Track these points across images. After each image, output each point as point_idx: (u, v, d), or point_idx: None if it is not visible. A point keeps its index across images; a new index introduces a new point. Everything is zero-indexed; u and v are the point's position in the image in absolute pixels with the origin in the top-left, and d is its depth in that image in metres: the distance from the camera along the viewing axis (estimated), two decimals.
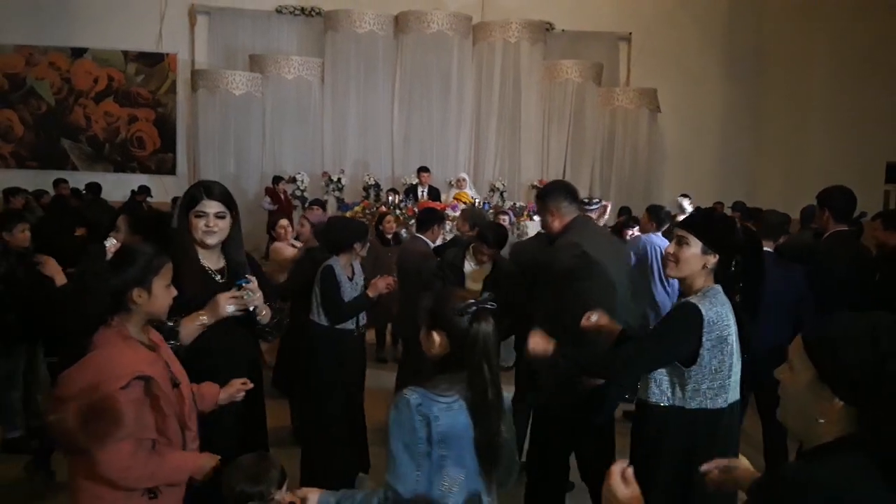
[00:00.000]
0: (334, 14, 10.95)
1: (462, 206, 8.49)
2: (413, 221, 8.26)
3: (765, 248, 3.96)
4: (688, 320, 2.27)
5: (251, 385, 2.40)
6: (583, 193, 11.00)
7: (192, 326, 2.40)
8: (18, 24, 10.96)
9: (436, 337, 1.93)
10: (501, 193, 10.38)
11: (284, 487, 2.07)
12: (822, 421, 1.26)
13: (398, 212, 8.52)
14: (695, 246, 2.32)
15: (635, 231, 6.25)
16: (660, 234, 5.66)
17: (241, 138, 10.77)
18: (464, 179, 9.85)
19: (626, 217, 7.51)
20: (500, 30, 11.01)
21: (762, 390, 4.01)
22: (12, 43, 11.11)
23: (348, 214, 8.71)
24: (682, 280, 2.40)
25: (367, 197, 9.83)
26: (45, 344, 4.66)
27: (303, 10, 11.54)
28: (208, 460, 2.11)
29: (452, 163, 10.96)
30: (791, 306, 3.86)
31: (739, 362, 2.41)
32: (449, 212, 8.42)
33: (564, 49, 11.87)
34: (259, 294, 2.49)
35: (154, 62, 11.61)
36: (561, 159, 11.28)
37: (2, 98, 11.19)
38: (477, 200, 9.08)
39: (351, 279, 3.93)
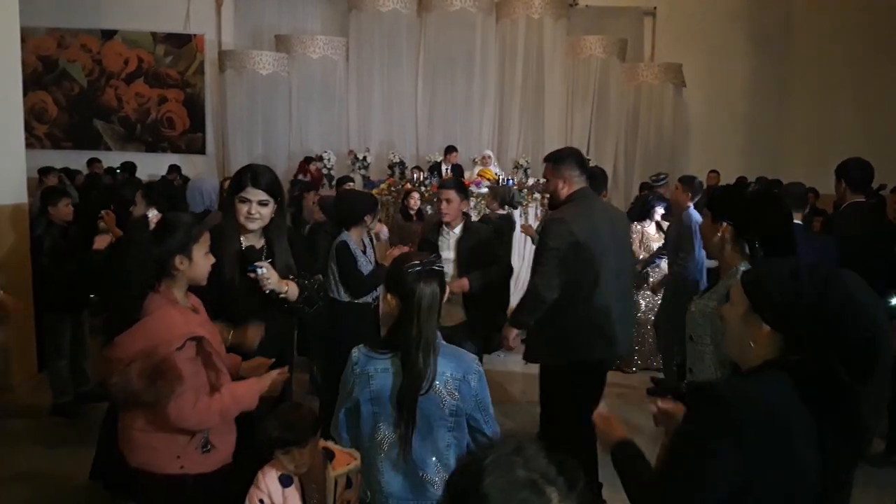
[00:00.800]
0: None
1: (486, 183, 8.60)
2: (437, 199, 8.41)
3: (796, 221, 4.06)
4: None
5: (287, 376, 2.48)
6: (608, 169, 11.12)
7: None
8: (50, 8, 11.16)
9: (390, 299, 2.06)
10: (525, 170, 10.45)
11: (318, 433, 2.24)
12: (752, 345, 1.49)
13: (423, 189, 8.64)
14: (706, 216, 2.37)
15: (660, 209, 6.27)
16: (692, 206, 5.66)
17: (268, 118, 10.94)
18: (489, 157, 9.92)
19: (650, 196, 7.38)
20: (523, 6, 11.00)
21: None
22: (44, 26, 11.34)
23: (374, 192, 8.87)
24: (715, 257, 2.45)
25: (392, 175, 9.96)
26: (91, 308, 4.90)
27: None
28: (278, 376, 2.33)
29: (476, 140, 11.03)
30: None
31: None
32: (473, 188, 8.53)
33: (588, 25, 11.81)
34: (274, 277, 2.61)
35: (182, 43, 11.79)
36: (585, 135, 11.29)
37: (35, 80, 11.44)
38: (501, 177, 9.16)
39: (364, 252, 4.05)
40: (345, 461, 2.26)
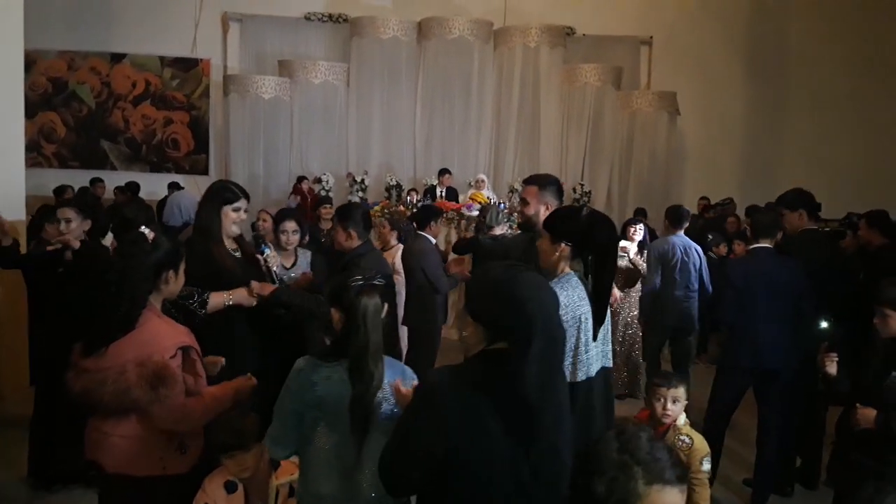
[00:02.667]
0: (360, 20, 11.31)
1: (477, 206, 8.77)
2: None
3: (763, 245, 4.20)
4: None
5: (254, 381, 2.62)
6: (601, 195, 11.30)
7: (219, 301, 2.88)
8: (61, 31, 11.53)
9: (334, 313, 2.21)
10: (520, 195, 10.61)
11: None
12: (465, 334, 1.86)
13: (416, 211, 8.81)
14: (545, 238, 2.62)
15: (639, 227, 6.42)
16: (681, 233, 5.84)
17: (270, 140, 11.19)
18: (482, 181, 10.11)
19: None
20: (521, 35, 11.25)
21: (764, 380, 4.16)
22: (55, 48, 11.70)
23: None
24: (545, 269, 2.67)
25: (388, 197, 10.16)
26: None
27: (330, 16, 11.93)
28: (244, 381, 2.49)
29: (472, 165, 11.23)
30: (791, 300, 4.04)
31: (595, 340, 2.65)
32: (464, 211, 8.71)
33: (586, 53, 12.05)
34: (277, 258, 3.15)
35: (189, 67, 12.12)
36: (580, 162, 11.46)
37: (45, 101, 11.78)
38: (493, 200, 9.32)
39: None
40: (289, 470, 2.40)
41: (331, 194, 10.63)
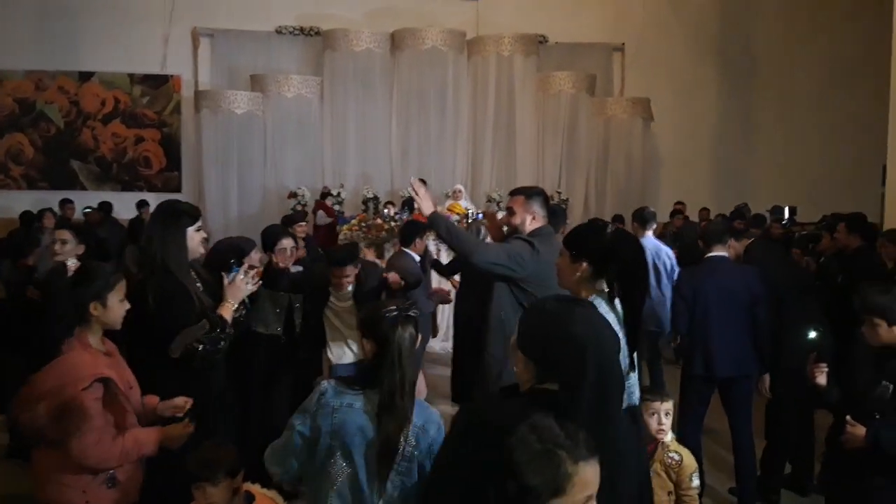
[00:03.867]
0: (332, 33, 11.25)
1: (455, 216, 8.72)
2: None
3: (718, 253, 4.21)
4: None
5: (191, 429, 2.50)
6: (579, 202, 11.32)
7: (229, 311, 2.83)
8: (28, 50, 11.33)
9: (366, 343, 2.13)
10: (497, 203, 10.60)
11: (240, 478, 2.29)
12: (515, 369, 1.76)
13: (393, 223, 8.75)
14: (565, 256, 2.42)
15: None
16: (649, 234, 5.88)
17: (244, 156, 11.05)
18: (460, 191, 10.08)
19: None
20: (494, 44, 11.27)
21: (724, 387, 4.22)
22: (22, 69, 11.48)
23: (345, 228, 8.97)
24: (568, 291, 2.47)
25: (364, 210, 10.08)
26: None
27: (302, 30, 11.84)
28: (179, 428, 2.39)
29: (450, 175, 11.19)
30: (746, 307, 4.07)
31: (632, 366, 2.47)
32: None
33: (559, 61, 12.08)
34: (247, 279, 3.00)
35: (159, 84, 11.95)
36: (556, 169, 11.48)
37: (12, 122, 11.55)
38: (470, 211, 9.29)
39: None
40: None
41: (307, 209, 10.55)
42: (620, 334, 2.33)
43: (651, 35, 12.22)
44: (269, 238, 4.30)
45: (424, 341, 5.35)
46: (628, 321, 2.34)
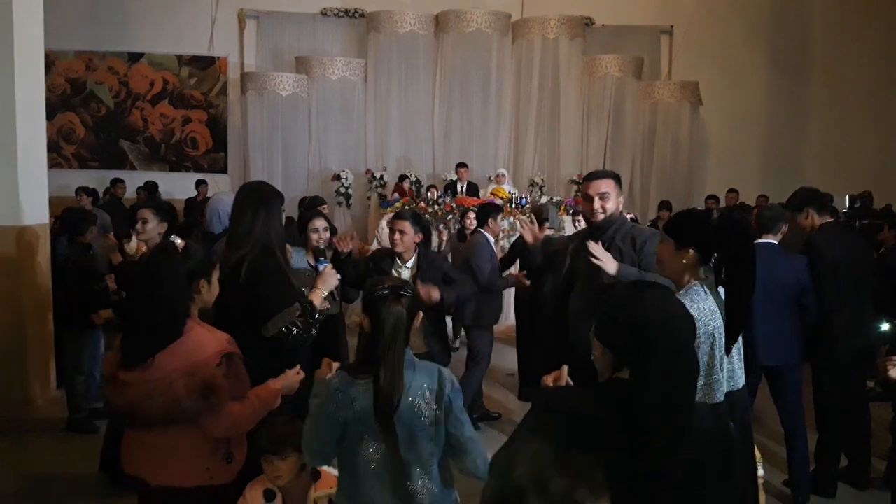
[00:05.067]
0: (376, 15, 11.23)
1: (498, 201, 8.67)
2: (450, 217, 8.52)
3: (768, 241, 4.11)
4: None
5: (302, 374, 2.57)
6: (623, 188, 11.13)
7: (319, 298, 2.91)
8: (79, 32, 11.54)
9: (363, 320, 2.15)
10: (541, 188, 10.53)
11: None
12: (595, 359, 1.74)
13: (437, 207, 8.75)
14: (668, 244, 2.39)
15: None
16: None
17: (288, 137, 11.14)
18: (503, 175, 10.02)
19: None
20: (539, 26, 11.13)
21: (772, 377, 4.13)
22: (73, 49, 11.71)
23: (388, 211, 8.99)
24: (671, 279, 2.45)
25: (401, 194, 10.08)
26: (105, 327, 5.05)
27: (346, 11, 11.85)
28: (291, 375, 2.45)
29: (492, 159, 11.14)
30: (794, 296, 4.00)
31: (734, 354, 2.47)
32: None
33: (605, 44, 11.90)
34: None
35: (206, 65, 12.09)
36: (601, 154, 11.34)
37: (64, 102, 11.80)
38: (514, 195, 9.24)
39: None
40: (329, 483, 2.35)
41: (350, 191, 10.62)
42: (719, 322, 2.35)
43: (700, 17, 11.94)
44: (305, 214, 4.41)
45: (495, 320, 5.39)
46: (731, 307, 2.32)
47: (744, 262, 2.31)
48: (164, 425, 2.20)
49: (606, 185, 3.18)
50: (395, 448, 2.07)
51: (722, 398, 2.43)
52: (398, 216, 4.04)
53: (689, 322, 1.73)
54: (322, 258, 3.15)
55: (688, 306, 2.28)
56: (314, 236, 4.17)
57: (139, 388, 2.19)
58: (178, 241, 2.32)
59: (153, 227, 3.84)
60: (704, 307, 2.34)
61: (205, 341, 2.26)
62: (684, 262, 2.34)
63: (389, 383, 2.04)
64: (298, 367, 2.52)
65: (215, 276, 2.42)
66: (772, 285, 3.96)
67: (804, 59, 12.10)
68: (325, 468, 2.40)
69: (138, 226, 3.86)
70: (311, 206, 5.64)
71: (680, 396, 1.64)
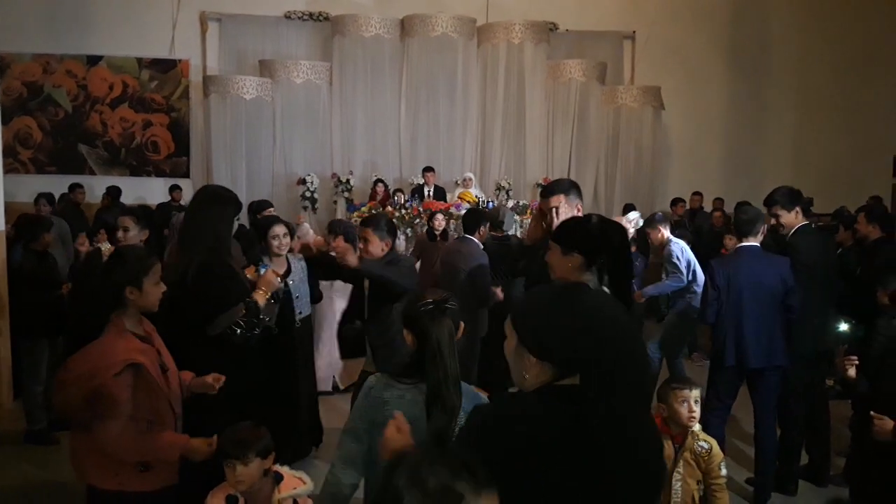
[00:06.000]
0: (341, 19, 11.17)
1: (465, 205, 8.70)
2: (417, 221, 8.52)
3: (750, 244, 4.17)
4: None
5: (213, 448, 2.44)
6: (588, 191, 11.27)
7: (262, 299, 2.89)
8: (35, 34, 11.25)
9: (407, 335, 2.12)
10: (507, 192, 10.58)
11: (270, 459, 2.30)
12: (527, 376, 1.53)
13: (403, 211, 8.74)
14: (555, 250, 2.52)
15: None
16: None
17: (252, 142, 11.01)
18: (469, 179, 10.06)
19: None
20: (504, 31, 11.19)
21: (753, 378, 4.19)
22: (30, 52, 11.41)
23: (355, 215, 8.95)
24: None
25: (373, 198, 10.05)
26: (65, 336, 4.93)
27: (311, 15, 11.77)
28: (201, 444, 2.35)
29: (459, 163, 11.16)
30: (778, 298, 4.04)
31: None
32: (453, 210, 8.64)
33: (569, 49, 12.02)
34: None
35: (167, 68, 11.90)
36: (566, 158, 11.44)
37: (21, 105, 11.50)
38: (481, 199, 9.27)
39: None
40: (292, 485, 2.33)
41: (316, 195, 10.55)
42: None
43: (662, 23, 12.13)
44: (264, 221, 4.36)
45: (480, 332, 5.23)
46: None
47: (621, 264, 2.47)
48: (69, 427, 2.26)
49: (556, 201, 3.27)
50: None
51: None
52: (363, 223, 3.95)
53: (621, 319, 1.60)
54: (263, 265, 3.13)
55: None
56: (275, 243, 4.12)
57: (57, 386, 2.26)
58: (105, 247, 2.33)
59: (134, 234, 3.79)
60: None
61: (112, 350, 2.24)
62: (570, 265, 2.45)
63: (457, 400, 1.98)
64: (214, 438, 2.40)
65: (150, 280, 2.37)
66: (756, 288, 4.02)
67: (764, 63, 12.36)
68: (285, 469, 2.38)
69: (119, 234, 3.81)
70: (258, 210, 5.53)
71: (632, 400, 1.55)
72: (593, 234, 2.48)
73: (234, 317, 2.70)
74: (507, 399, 1.62)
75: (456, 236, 6.65)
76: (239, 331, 2.71)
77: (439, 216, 7.37)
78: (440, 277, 5.30)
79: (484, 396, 2.15)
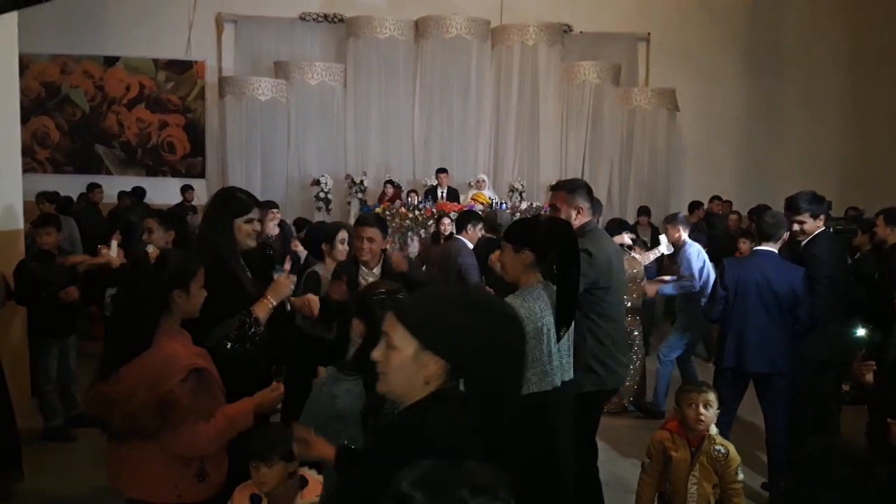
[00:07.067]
0: (356, 20, 11.21)
1: (479, 206, 8.70)
2: (430, 222, 8.54)
3: (766, 248, 4.14)
4: None
5: (281, 391, 2.48)
6: (602, 193, 11.24)
7: (265, 310, 2.72)
8: (53, 35, 11.37)
9: (357, 324, 2.17)
10: (520, 194, 10.57)
11: (296, 463, 2.30)
12: (428, 384, 1.47)
13: (417, 212, 8.76)
14: (507, 249, 2.65)
15: (625, 237, 6.18)
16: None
17: (267, 143, 11.07)
18: (483, 181, 10.06)
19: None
20: (518, 33, 11.19)
21: (760, 383, 4.18)
22: (48, 52, 11.54)
23: None
24: (511, 281, 2.72)
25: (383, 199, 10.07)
26: (80, 334, 4.97)
27: (325, 16, 11.81)
28: (267, 393, 2.37)
29: (472, 164, 11.17)
30: (788, 306, 4.01)
31: (561, 349, 2.69)
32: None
33: (583, 50, 11.99)
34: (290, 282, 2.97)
35: (183, 69, 11.99)
36: (579, 160, 11.41)
37: (38, 105, 11.62)
38: (494, 201, 9.27)
39: None
40: (316, 491, 2.33)
41: (330, 196, 10.59)
42: (549, 319, 2.57)
43: (676, 25, 12.08)
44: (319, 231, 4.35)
45: None
46: (561, 300, 2.55)
47: (569, 260, 2.56)
48: (129, 438, 2.17)
49: (555, 199, 3.39)
50: None
51: (550, 388, 2.62)
52: (365, 223, 3.81)
53: (504, 317, 1.55)
54: (278, 267, 3.02)
55: (520, 305, 2.51)
56: (341, 247, 3.96)
57: (106, 399, 2.17)
58: (151, 249, 2.29)
59: (159, 236, 3.81)
60: (535, 306, 2.57)
61: (172, 355, 2.21)
62: (521, 263, 2.60)
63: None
64: (276, 383, 2.44)
65: (196, 284, 2.36)
66: (766, 293, 3.99)
67: (778, 65, 12.28)
68: (312, 473, 2.39)
69: (144, 235, 3.83)
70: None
71: (511, 398, 1.52)
72: (542, 232, 2.62)
73: (226, 329, 2.61)
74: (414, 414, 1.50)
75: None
76: (230, 345, 2.60)
77: (446, 219, 7.38)
78: (435, 277, 5.40)
79: None
